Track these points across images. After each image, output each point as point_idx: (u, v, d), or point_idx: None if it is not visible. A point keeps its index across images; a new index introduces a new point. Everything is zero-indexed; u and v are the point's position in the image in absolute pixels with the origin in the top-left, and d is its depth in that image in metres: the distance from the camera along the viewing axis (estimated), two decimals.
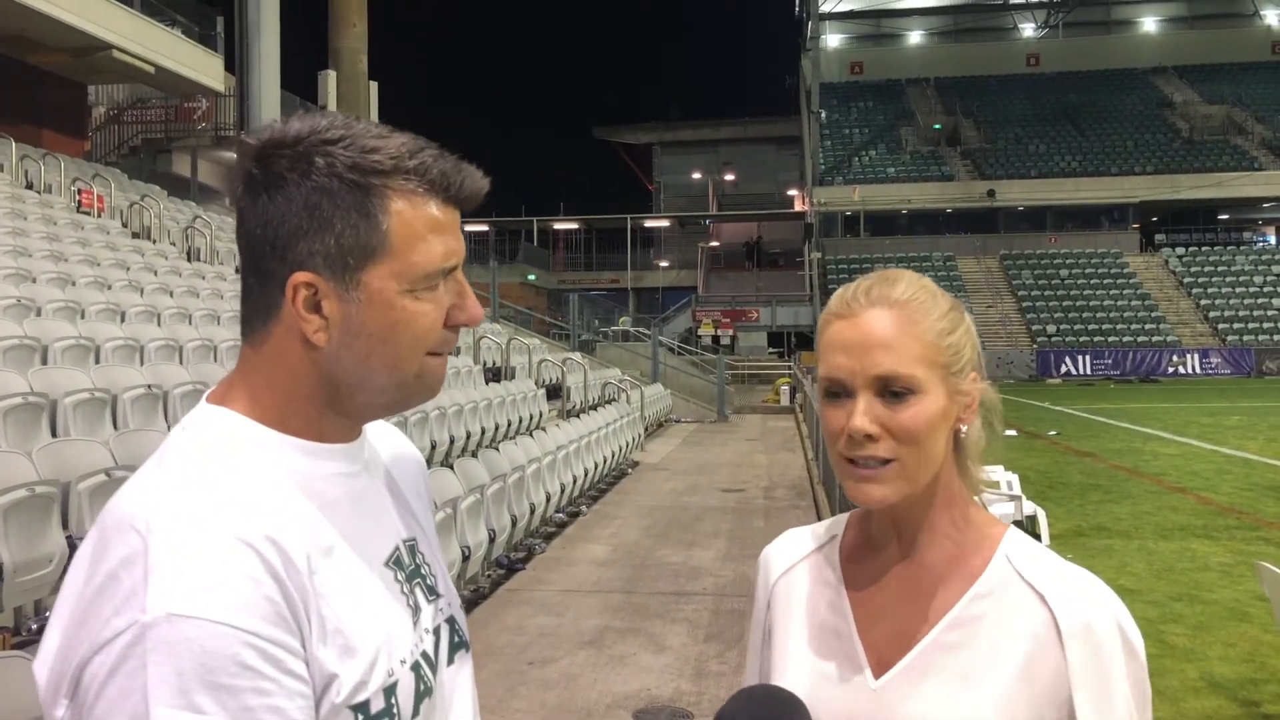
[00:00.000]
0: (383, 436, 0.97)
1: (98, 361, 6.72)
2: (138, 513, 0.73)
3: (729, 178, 48.24)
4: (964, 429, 0.95)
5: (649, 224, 45.26)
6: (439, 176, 0.81)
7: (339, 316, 0.79)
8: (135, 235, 13.67)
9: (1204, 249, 36.79)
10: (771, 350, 33.50)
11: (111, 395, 5.70)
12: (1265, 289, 33.38)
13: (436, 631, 0.88)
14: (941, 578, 0.95)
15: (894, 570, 0.98)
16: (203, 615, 0.68)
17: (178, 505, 0.73)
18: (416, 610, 0.86)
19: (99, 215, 13.66)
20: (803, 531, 1.11)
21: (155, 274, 11.00)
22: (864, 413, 0.91)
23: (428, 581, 0.90)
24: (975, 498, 1.00)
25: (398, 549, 0.87)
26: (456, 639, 0.92)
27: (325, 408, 0.83)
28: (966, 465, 0.98)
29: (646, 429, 14.53)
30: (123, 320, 8.23)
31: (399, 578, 0.85)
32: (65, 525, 4.10)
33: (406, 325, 0.80)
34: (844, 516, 1.08)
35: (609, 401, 13.75)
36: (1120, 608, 0.91)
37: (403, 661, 0.81)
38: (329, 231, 0.78)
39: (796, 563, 1.07)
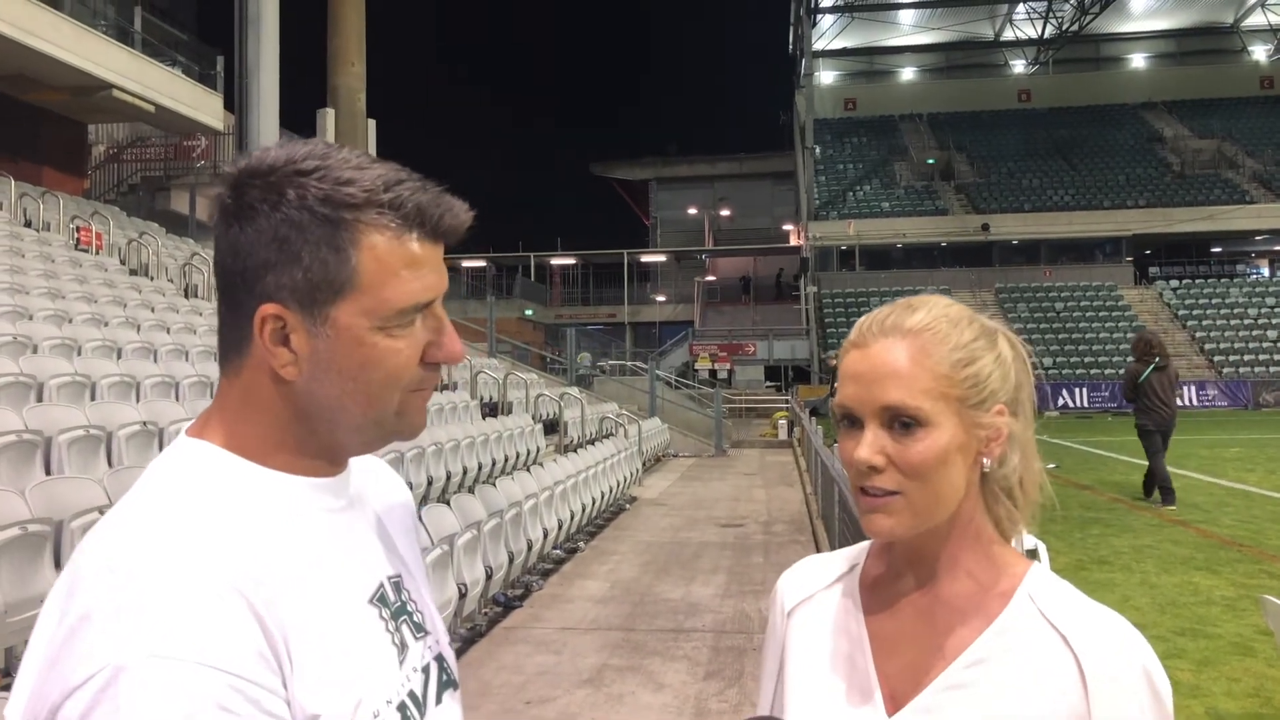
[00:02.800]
0: (369, 470, 0.96)
1: (93, 398, 6.70)
2: (112, 551, 0.71)
3: (725, 213, 48.55)
4: (987, 463, 0.92)
5: (646, 259, 45.45)
6: (414, 211, 0.79)
7: (308, 351, 0.78)
8: (133, 272, 13.70)
9: (1198, 281, 36.94)
10: (769, 384, 33.49)
11: (106, 432, 5.67)
12: (1260, 321, 33.49)
13: (425, 670, 0.86)
14: (960, 613, 0.93)
15: (913, 603, 0.96)
16: (179, 656, 0.66)
17: (153, 543, 0.71)
18: (403, 648, 0.84)
19: (97, 252, 13.70)
20: (822, 559, 1.09)
21: (152, 310, 11.01)
22: (869, 444, 0.90)
23: (414, 619, 0.88)
24: (1010, 538, 0.96)
25: (382, 586, 0.85)
26: (445, 678, 0.90)
27: (304, 442, 0.81)
28: (995, 502, 0.95)
29: (644, 464, 14.48)
30: (119, 357, 8.21)
31: (384, 615, 0.83)
32: (58, 564, 4.06)
33: (378, 363, 0.79)
34: (865, 545, 1.05)
35: (607, 436, 13.71)
36: (1149, 654, 0.87)
37: (388, 702, 0.79)
38: (296, 265, 0.76)
39: (817, 591, 1.05)
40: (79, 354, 7.79)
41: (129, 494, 0.78)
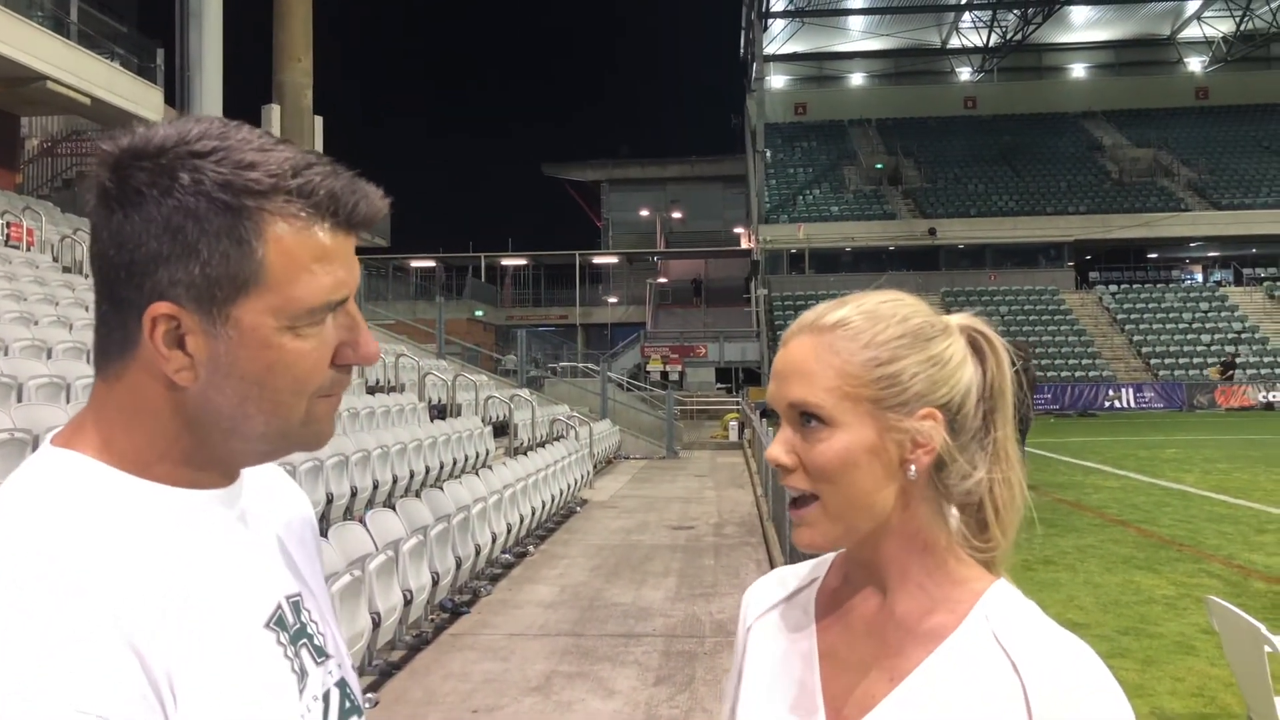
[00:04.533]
0: (262, 480, 0.87)
1: (20, 400, 6.44)
2: None
3: (676, 215, 48.68)
4: (913, 470, 0.85)
5: (597, 260, 45.39)
6: (326, 198, 0.71)
7: (206, 355, 0.69)
8: (66, 269, 13.27)
9: (1135, 287, 37.95)
10: (720, 386, 33.66)
11: (33, 435, 5.44)
12: (1194, 325, 34.48)
13: (325, 698, 0.78)
14: (910, 632, 0.87)
15: (865, 619, 0.91)
16: (44, 701, 0.57)
17: (11, 570, 0.62)
18: (303, 675, 0.75)
19: (28, 249, 13.23)
20: (786, 571, 1.04)
21: (86, 309, 10.64)
22: (779, 441, 0.87)
23: (315, 642, 0.79)
24: (980, 553, 0.90)
25: (279, 607, 0.77)
26: (348, 704, 0.81)
27: (193, 452, 0.73)
28: (940, 513, 0.89)
29: (595, 466, 14.40)
30: (49, 357, 7.92)
31: (281, 640, 0.75)
32: None
33: (286, 367, 0.71)
34: (829, 557, 1.00)
35: (557, 438, 13.60)
36: (1108, 684, 0.81)
37: None
38: (193, 259, 0.68)
39: (774, 605, 1.00)
40: (5, 354, 7.48)
41: None
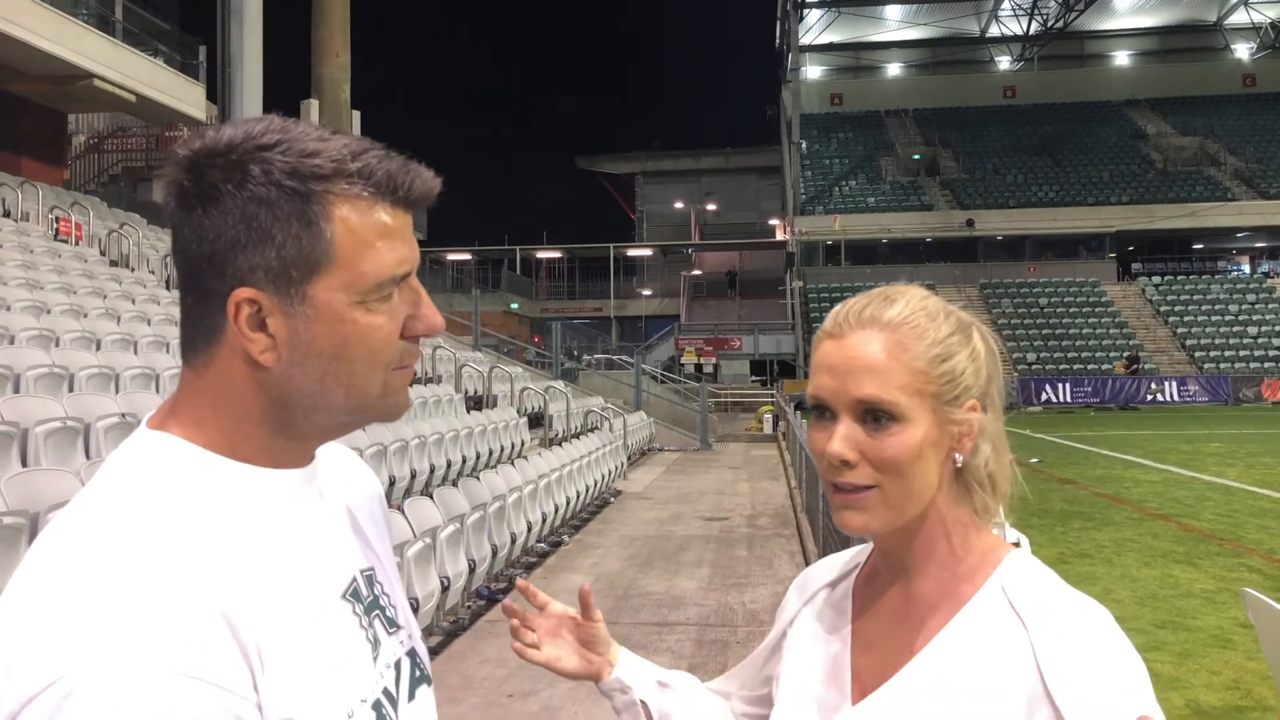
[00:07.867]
0: (336, 461, 0.92)
1: (71, 390, 6.63)
2: (74, 553, 0.68)
3: (711, 207, 48.55)
4: (959, 458, 0.91)
5: (632, 253, 45.45)
6: (385, 178, 0.76)
7: (286, 334, 0.74)
8: (113, 263, 13.56)
9: (1179, 278, 37.20)
10: (754, 378, 33.59)
11: (84, 424, 5.60)
12: (1240, 317, 33.78)
13: (397, 665, 0.84)
14: (932, 606, 0.92)
15: (890, 599, 0.96)
16: (147, 663, 0.63)
17: (118, 545, 0.68)
18: (376, 644, 0.81)
19: (76, 243, 13.55)
20: (834, 559, 1.10)
21: (133, 302, 10.90)
22: (843, 438, 0.88)
23: (387, 613, 0.85)
24: (991, 523, 0.95)
25: (355, 580, 0.82)
26: (418, 673, 0.87)
27: (277, 431, 0.78)
28: (970, 491, 0.93)
29: (629, 457, 14.47)
30: (98, 348, 8.13)
31: (357, 610, 0.81)
32: None
33: (360, 340, 0.76)
34: (869, 545, 1.05)
35: (591, 430, 13.68)
36: (1115, 636, 0.84)
37: (363, 700, 0.77)
38: (269, 244, 0.73)
39: (819, 589, 1.06)
40: (57, 345, 7.69)
41: (87, 491, 0.74)
